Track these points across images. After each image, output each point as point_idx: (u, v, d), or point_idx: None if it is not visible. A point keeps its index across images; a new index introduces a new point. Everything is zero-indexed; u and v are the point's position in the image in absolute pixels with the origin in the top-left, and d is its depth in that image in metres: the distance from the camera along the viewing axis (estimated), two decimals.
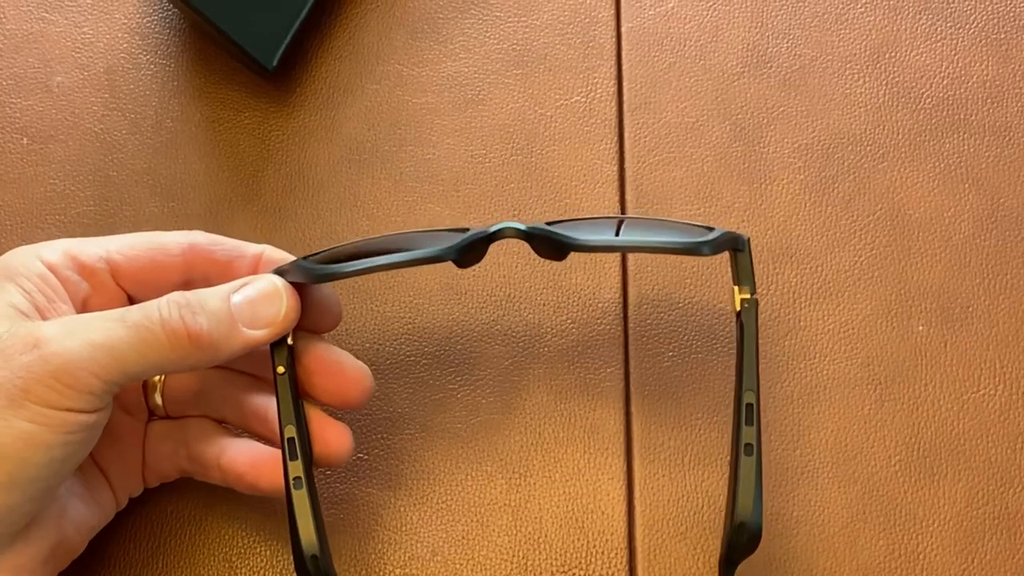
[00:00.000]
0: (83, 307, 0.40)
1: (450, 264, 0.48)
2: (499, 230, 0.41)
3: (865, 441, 0.45)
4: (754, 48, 0.52)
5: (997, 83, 0.51)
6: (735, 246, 0.41)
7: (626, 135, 0.50)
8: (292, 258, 0.42)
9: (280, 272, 0.40)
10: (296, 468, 0.39)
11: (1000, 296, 0.47)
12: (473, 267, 0.48)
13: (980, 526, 0.44)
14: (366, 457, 0.46)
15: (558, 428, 0.46)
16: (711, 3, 0.53)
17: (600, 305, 0.48)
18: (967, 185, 0.49)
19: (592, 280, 0.48)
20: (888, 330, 0.47)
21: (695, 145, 0.50)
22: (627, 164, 0.50)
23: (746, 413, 0.39)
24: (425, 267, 0.48)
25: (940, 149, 0.50)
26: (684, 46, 0.52)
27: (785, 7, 0.52)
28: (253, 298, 0.39)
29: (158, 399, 0.43)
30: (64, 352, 0.36)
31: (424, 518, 0.45)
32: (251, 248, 0.42)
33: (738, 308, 0.41)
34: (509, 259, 0.48)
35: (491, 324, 0.48)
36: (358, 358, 0.47)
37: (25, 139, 0.51)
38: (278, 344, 0.40)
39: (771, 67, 0.51)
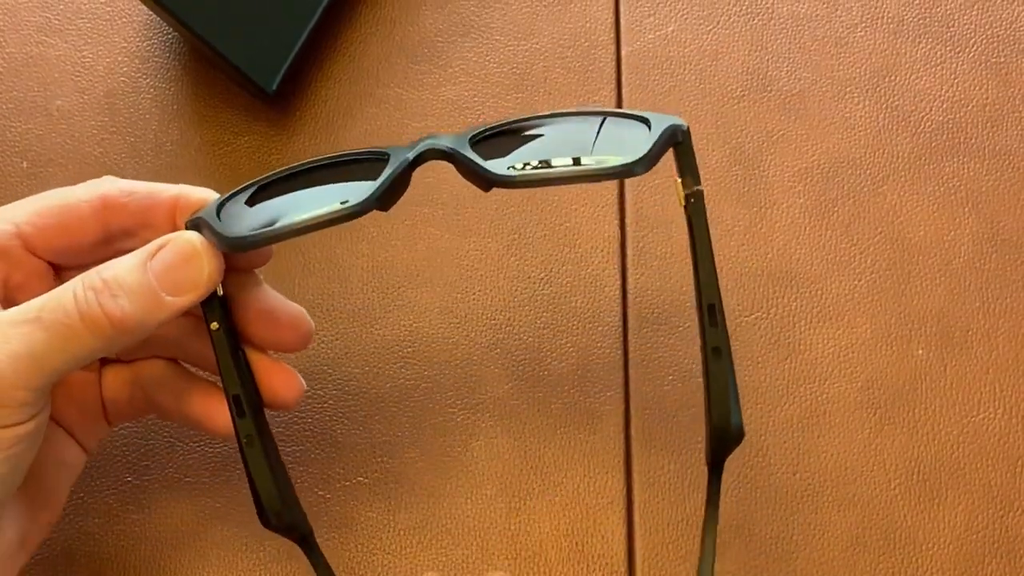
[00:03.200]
0: (3, 287, 0.40)
1: (448, 286, 0.50)
2: (420, 155, 0.39)
3: (865, 464, 0.47)
4: (754, 72, 0.54)
5: (997, 107, 0.53)
6: (675, 141, 0.39)
7: None
8: (208, 196, 0.41)
9: (195, 226, 0.39)
10: (246, 426, 0.40)
11: (1000, 320, 0.49)
12: (473, 291, 0.50)
13: (980, 550, 0.46)
14: (366, 480, 0.47)
15: (558, 452, 0.47)
16: (711, 27, 0.54)
17: (600, 328, 0.49)
18: (967, 209, 0.51)
19: (592, 303, 0.50)
20: (888, 354, 0.49)
21: None
22: (627, 187, 0.52)
23: (709, 315, 0.40)
24: (424, 290, 0.50)
25: (940, 173, 0.52)
26: (684, 70, 0.54)
27: (785, 31, 0.54)
28: (171, 263, 0.38)
29: None
30: None
31: (424, 542, 0.46)
32: (165, 192, 0.41)
33: (684, 203, 0.40)
34: (508, 283, 0.50)
35: (491, 348, 0.49)
36: (357, 382, 0.48)
37: (25, 163, 0.53)
38: (208, 300, 0.39)
39: (771, 91, 0.53)
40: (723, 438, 0.40)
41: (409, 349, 0.49)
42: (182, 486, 0.47)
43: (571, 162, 0.39)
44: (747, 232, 0.51)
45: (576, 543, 0.46)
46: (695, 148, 0.52)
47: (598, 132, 0.40)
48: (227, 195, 0.40)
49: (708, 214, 0.50)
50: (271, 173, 0.41)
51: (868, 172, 0.52)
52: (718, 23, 0.55)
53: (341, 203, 0.38)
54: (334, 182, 0.40)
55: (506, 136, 0.40)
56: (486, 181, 0.39)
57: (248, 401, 0.40)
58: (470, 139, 0.40)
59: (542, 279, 0.50)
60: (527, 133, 0.40)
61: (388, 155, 0.39)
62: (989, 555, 0.46)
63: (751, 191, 0.51)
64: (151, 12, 0.53)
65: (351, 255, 0.51)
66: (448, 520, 0.46)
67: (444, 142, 0.39)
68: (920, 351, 0.49)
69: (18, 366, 0.36)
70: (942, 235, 0.51)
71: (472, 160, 0.39)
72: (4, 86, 0.54)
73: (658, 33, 0.54)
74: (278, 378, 0.42)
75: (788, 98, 0.53)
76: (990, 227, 0.51)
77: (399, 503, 0.47)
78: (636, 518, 0.46)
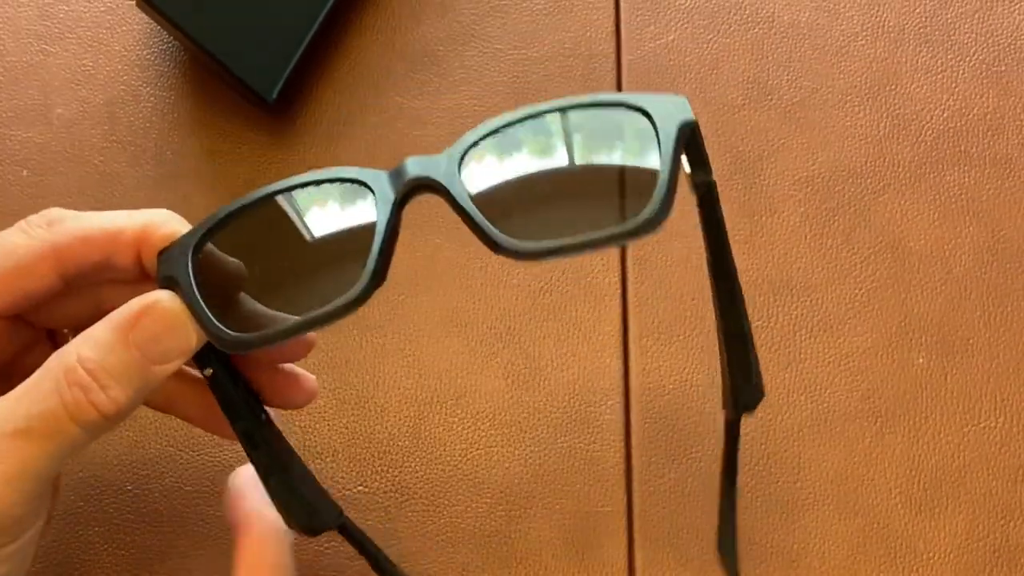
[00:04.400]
0: None
1: (449, 295, 0.50)
2: (406, 197, 0.36)
3: (866, 473, 0.47)
4: (754, 80, 0.54)
5: (998, 115, 0.54)
6: (686, 142, 0.36)
7: None
8: (175, 229, 0.38)
9: (169, 281, 0.37)
10: (261, 456, 0.39)
11: (1000, 328, 0.50)
12: (473, 300, 0.50)
13: (981, 559, 0.46)
14: (366, 490, 0.48)
15: (558, 460, 0.48)
16: (711, 35, 0.55)
17: (600, 338, 0.50)
18: (968, 217, 0.52)
19: (592, 312, 0.50)
20: (888, 362, 0.49)
21: None
22: None
23: (728, 300, 0.39)
24: (424, 299, 0.50)
25: (941, 181, 0.52)
26: (684, 78, 0.54)
27: (785, 39, 0.55)
28: (155, 334, 0.36)
29: None
30: None
31: (424, 550, 0.47)
32: (127, 232, 0.38)
33: (696, 196, 0.37)
34: (509, 292, 0.51)
35: (491, 357, 0.50)
36: (357, 391, 0.49)
37: (25, 171, 0.53)
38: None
39: (771, 99, 0.54)
40: (750, 407, 0.41)
41: (410, 358, 0.50)
42: (182, 495, 0.48)
43: (591, 225, 0.35)
44: (747, 241, 0.51)
45: (576, 551, 0.47)
46: None
47: (604, 152, 0.36)
48: (195, 238, 0.37)
49: None
50: (239, 204, 0.38)
51: (869, 180, 0.52)
52: (719, 32, 0.55)
53: (341, 287, 0.35)
54: (320, 235, 0.37)
55: (496, 164, 0.37)
56: (494, 247, 0.35)
57: (257, 430, 0.39)
58: (459, 163, 0.36)
59: (543, 288, 0.51)
60: (525, 168, 0.36)
61: (364, 184, 0.37)
62: (990, 564, 0.46)
63: (752, 199, 0.52)
64: (151, 21, 0.53)
65: None
66: (448, 528, 0.47)
67: (430, 171, 0.36)
68: (921, 359, 0.49)
69: (15, 487, 0.34)
70: (943, 243, 0.51)
71: (477, 220, 0.35)
72: (4, 94, 0.55)
73: (659, 42, 0.55)
74: (289, 390, 0.41)
75: (789, 107, 0.54)
76: (991, 235, 0.51)
77: (399, 511, 0.47)
78: (636, 526, 0.47)
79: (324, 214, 0.37)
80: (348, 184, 0.37)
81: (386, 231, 0.36)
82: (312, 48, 0.53)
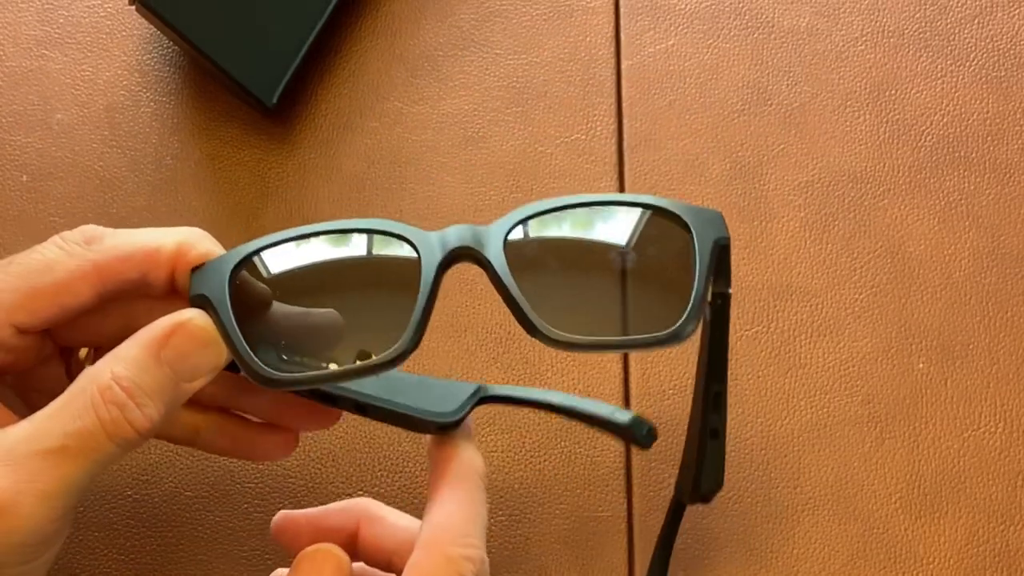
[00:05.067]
0: None
1: (449, 299, 0.50)
2: (449, 263, 0.38)
3: (866, 478, 0.48)
4: (754, 85, 0.55)
5: (997, 121, 0.54)
6: (720, 257, 0.39)
7: (626, 172, 0.53)
8: (209, 250, 0.39)
9: (201, 301, 0.37)
10: (344, 404, 0.40)
11: (1000, 333, 0.50)
12: (473, 304, 0.50)
13: (980, 564, 0.46)
14: (366, 494, 0.48)
15: (558, 464, 0.48)
16: (711, 40, 0.56)
17: None
18: (967, 223, 0.52)
19: None
20: (888, 367, 0.50)
21: (695, 182, 0.53)
22: None
23: (714, 401, 0.42)
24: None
25: (940, 187, 0.53)
26: (684, 83, 0.55)
27: (785, 45, 0.55)
28: (187, 351, 0.36)
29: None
30: (21, 520, 0.34)
31: None
32: (164, 251, 0.38)
33: (709, 302, 0.39)
34: None
35: (491, 361, 0.50)
36: None
37: (25, 176, 0.54)
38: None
39: (771, 104, 0.54)
40: (705, 501, 0.44)
41: (410, 363, 0.50)
42: (182, 500, 0.48)
43: (620, 324, 0.39)
44: (747, 246, 0.52)
45: (576, 555, 0.47)
46: (695, 162, 0.53)
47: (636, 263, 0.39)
48: (231, 264, 0.38)
49: None
50: (279, 238, 0.39)
51: (868, 186, 0.53)
52: (718, 37, 0.56)
53: (378, 341, 0.37)
54: (358, 285, 0.39)
55: (536, 247, 0.39)
56: (531, 330, 0.38)
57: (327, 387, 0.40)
58: (504, 239, 0.38)
59: None
60: (561, 255, 0.39)
61: (416, 248, 0.38)
62: (990, 569, 0.46)
63: (751, 205, 0.52)
64: (151, 26, 0.54)
65: None
66: None
67: (475, 243, 0.38)
68: (921, 365, 0.50)
69: (51, 504, 0.35)
70: (943, 248, 0.52)
71: (516, 299, 0.38)
72: (4, 99, 0.55)
73: (658, 47, 0.56)
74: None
75: (788, 112, 0.54)
76: (991, 240, 0.52)
77: None
78: (636, 530, 0.47)
79: (366, 264, 0.39)
80: (392, 239, 0.38)
81: (429, 293, 0.37)
82: (312, 53, 0.54)
